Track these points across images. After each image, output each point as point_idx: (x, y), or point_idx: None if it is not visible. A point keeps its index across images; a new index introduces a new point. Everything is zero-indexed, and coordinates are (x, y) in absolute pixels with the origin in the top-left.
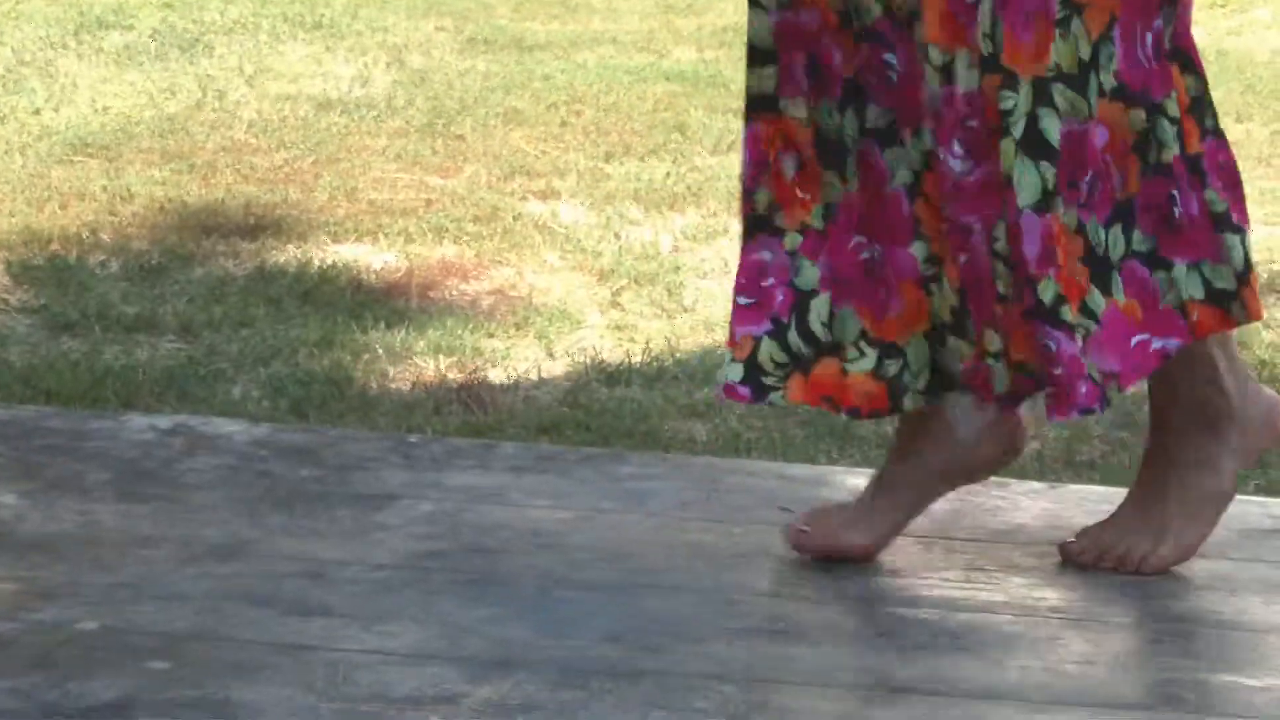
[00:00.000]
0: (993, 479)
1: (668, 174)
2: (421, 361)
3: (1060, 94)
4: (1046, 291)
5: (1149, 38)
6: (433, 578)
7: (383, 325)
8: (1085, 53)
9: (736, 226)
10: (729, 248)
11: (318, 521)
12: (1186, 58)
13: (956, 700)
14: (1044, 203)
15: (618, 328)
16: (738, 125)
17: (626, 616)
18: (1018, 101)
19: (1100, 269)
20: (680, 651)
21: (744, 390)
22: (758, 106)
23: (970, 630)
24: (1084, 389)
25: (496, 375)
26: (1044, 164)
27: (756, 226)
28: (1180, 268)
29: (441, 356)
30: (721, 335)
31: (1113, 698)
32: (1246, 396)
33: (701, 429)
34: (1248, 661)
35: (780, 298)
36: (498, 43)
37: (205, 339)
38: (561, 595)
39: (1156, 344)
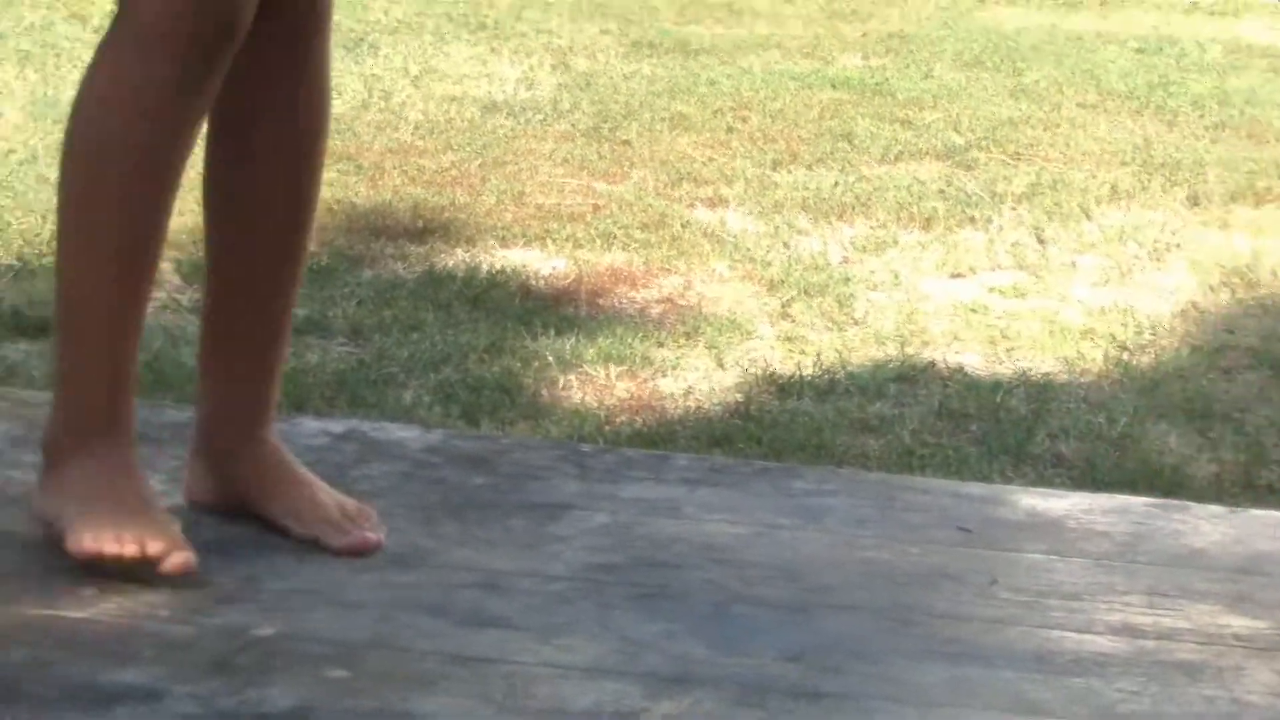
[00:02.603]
0: (1171, 501)
1: (835, 183)
2: (591, 370)
3: None
4: None
5: None
6: (608, 591)
7: (552, 332)
8: None
9: (906, 238)
10: (899, 259)
11: (491, 531)
12: None
13: None
14: None
15: (788, 339)
16: (905, 135)
17: (804, 635)
18: None
19: None
20: (858, 672)
21: None
22: None
23: (1153, 657)
24: None
25: (666, 385)
26: None
27: None
28: None
29: (612, 365)
30: (892, 349)
31: None
32: None
33: (874, 444)
34: None
35: None
36: (662, 47)
37: (375, 342)
38: (738, 611)
39: None
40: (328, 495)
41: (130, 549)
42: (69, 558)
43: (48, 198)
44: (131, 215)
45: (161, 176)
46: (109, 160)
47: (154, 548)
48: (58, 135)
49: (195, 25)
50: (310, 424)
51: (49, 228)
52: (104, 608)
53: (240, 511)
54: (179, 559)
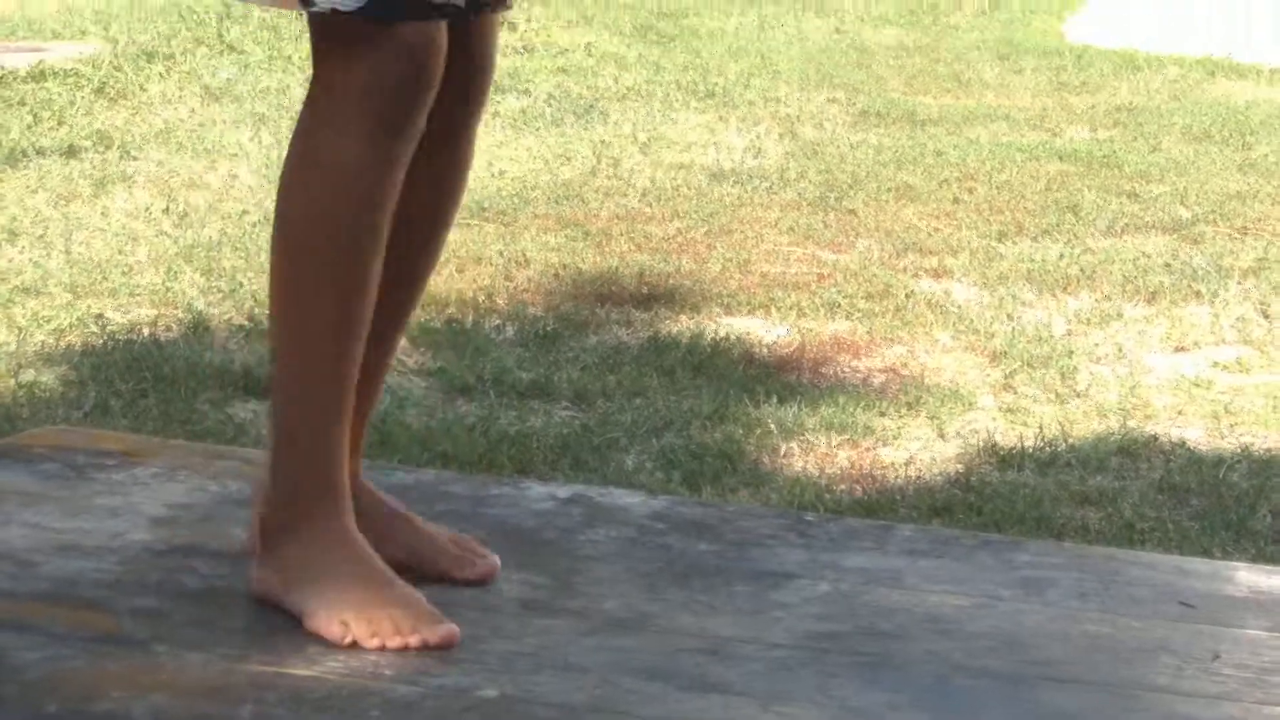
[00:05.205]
0: None
1: (1061, 255)
2: (813, 438)
3: None
4: None
5: None
6: (830, 659)
7: (775, 400)
8: None
9: (1130, 311)
10: (1123, 332)
11: (715, 597)
12: None
13: None
14: None
15: (1010, 410)
16: (1132, 208)
17: (1026, 708)
18: None
19: None
20: None
21: None
22: None
23: None
24: None
25: (888, 454)
26: None
27: None
28: None
29: (833, 433)
30: (1114, 422)
31: None
32: None
33: (1094, 516)
34: None
35: None
36: (890, 116)
37: (599, 407)
38: (960, 683)
39: None
40: (437, 530)
41: (413, 640)
42: (315, 636)
43: None
44: (339, 292)
45: (364, 251)
46: (312, 239)
47: (429, 635)
48: None
49: (382, 101)
50: (536, 489)
51: None
52: (330, 666)
53: None
54: (446, 633)
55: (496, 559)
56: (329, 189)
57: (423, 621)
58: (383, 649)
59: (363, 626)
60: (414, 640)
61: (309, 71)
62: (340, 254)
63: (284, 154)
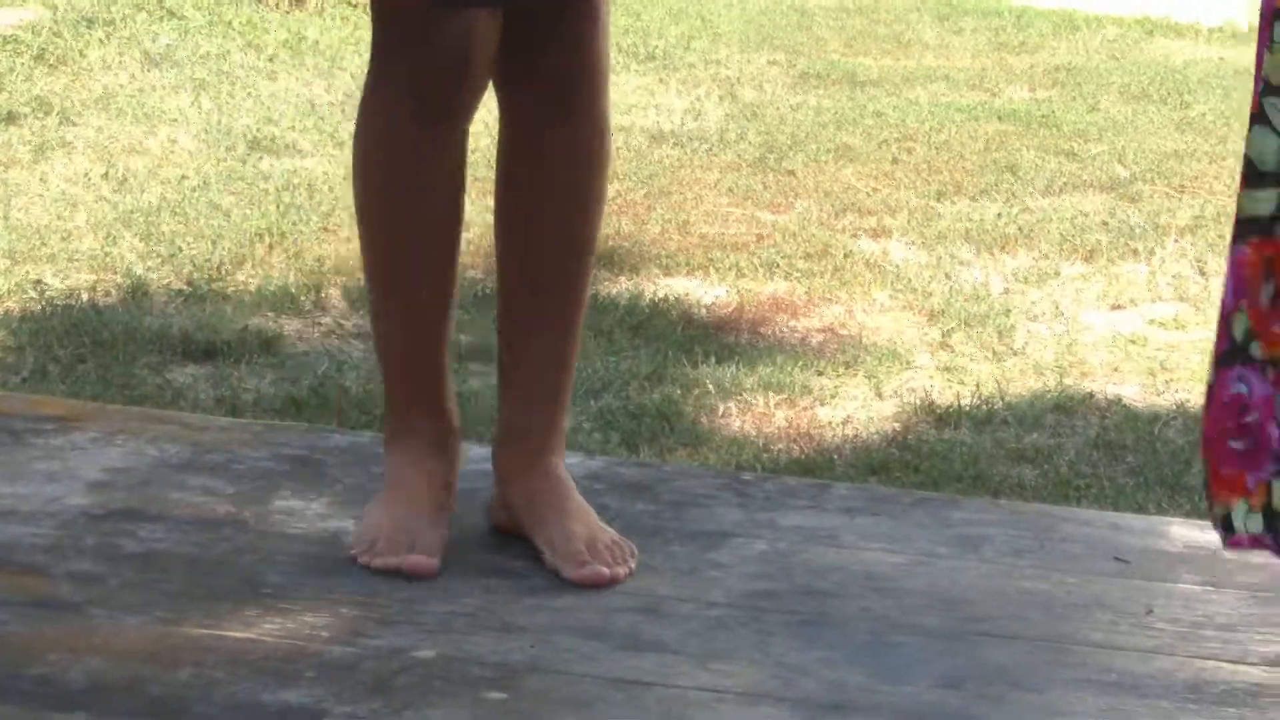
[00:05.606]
0: None
1: (999, 214)
2: (751, 398)
3: None
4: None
5: None
6: (766, 617)
7: (713, 360)
8: None
9: (1068, 269)
10: (1060, 290)
11: (653, 557)
12: None
13: None
14: None
15: (947, 369)
16: (1070, 167)
17: (961, 664)
18: None
19: None
20: (1015, 701)
21: (1269, 540)
22: (1247, 230)
23: None
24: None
25: (825, 413)
26: None
27: (1231, 358)
28: None
29: (771, 393)
30: (1050, 380)
31: None
32: None
33: (1030, 474)
34: None
35: (1275, 434)
36: (830, 78)
37: None
38: (895, 640)
39: None
40: (585, 528)
41: (378, 562)
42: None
43: (219, 224)
44: (387, 241)
45: (407, 204)
46: (363, 188)
47: (394, 560)
48: (230, 163)
49: (425, 66)
50: (475, 450)
51: (219, 253)
52: (267, 628)
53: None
54: (412, 563)
55: (610, 571)
56: (369, 149)
57: (399, 552)
58: (353, 561)
59: (362, 530)
60: (378, 562)
61: (249, 36)
62: (379, 205)
63: (223, 120)
